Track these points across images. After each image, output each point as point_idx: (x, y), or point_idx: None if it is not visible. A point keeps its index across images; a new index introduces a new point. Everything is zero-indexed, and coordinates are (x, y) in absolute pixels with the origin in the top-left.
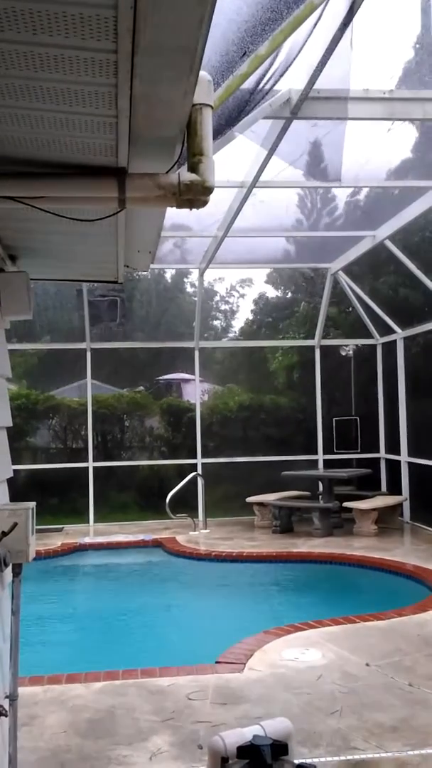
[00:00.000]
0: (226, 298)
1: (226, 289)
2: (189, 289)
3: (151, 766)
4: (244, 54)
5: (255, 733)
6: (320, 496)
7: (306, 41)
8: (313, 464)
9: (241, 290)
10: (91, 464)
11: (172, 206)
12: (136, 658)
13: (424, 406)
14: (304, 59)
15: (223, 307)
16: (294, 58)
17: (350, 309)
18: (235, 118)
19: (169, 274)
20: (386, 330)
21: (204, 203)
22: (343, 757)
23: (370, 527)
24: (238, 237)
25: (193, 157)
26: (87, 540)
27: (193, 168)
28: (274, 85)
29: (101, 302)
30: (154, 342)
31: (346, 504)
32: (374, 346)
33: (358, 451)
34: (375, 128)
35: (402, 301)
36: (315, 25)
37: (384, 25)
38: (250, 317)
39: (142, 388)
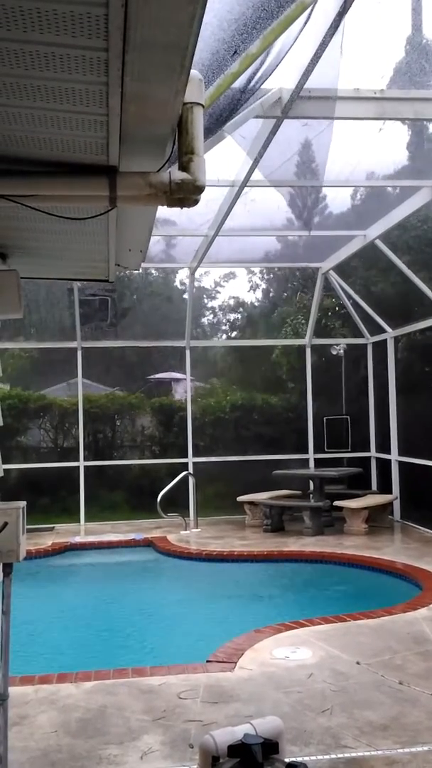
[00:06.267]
0: (213, 295)
1: (215, 288)
2: (180, 287)
3: (141, 765)
4: (235, 53)
5: (246, 731)
6: (311, 495)
7: (296, 40)
8: (304, 463)
9: (232, 289)
10: (82, 463)
11: (163, 205)
12: (127, 658)
13: (414, 405)
14: (295, 58)
15: (214, 305)
16: (282, 58)
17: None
18: (226, 118)
19: (160, 273)
20: (377, 329)
21: (195, 202)
22: (333, 756)
23: (360, 526)
24: (229, 236)
25: (184, 156)
26: (78, 539)
27: (184, 167)
28: (263, 83)
29: (92, 301)
30: (145, 341)
31: (336, 503)
32: (365, 346)
33: (349, 450)
34: (366, 128)
35: (392, 300)
36: (305, 23)
37: (375, 25)
38: (241, 317)
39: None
